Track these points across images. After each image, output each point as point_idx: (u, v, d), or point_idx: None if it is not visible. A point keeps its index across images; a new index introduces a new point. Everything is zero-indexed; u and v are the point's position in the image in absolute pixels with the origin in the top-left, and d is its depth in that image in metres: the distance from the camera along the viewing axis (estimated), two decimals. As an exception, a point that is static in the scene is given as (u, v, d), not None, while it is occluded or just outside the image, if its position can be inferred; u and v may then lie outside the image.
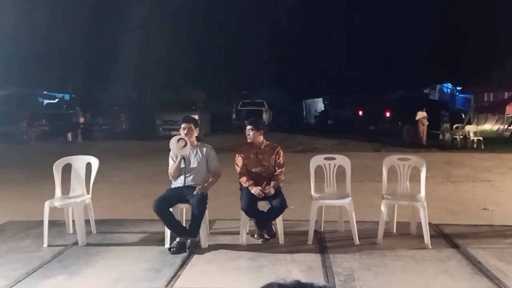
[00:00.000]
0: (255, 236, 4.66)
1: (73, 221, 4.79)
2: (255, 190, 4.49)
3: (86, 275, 3.79)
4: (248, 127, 4.78)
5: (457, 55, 25.44)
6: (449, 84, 26.95)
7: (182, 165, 4.56)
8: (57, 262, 4.09)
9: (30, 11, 20.46)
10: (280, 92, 33.23)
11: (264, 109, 23.93)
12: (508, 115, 18.21)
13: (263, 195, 4.47)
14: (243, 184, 4.64)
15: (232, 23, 28.00)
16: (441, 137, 16.61)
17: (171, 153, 4.67)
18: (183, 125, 4.64)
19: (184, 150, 4.46)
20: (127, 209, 6.49)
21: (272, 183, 4.55)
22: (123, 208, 6.57)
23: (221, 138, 17.21)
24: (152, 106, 23.57)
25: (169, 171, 4.65)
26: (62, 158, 4.97)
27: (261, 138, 4.82)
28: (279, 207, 4.42)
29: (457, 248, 4.35)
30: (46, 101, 25.48)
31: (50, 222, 4.64)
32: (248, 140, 4.80)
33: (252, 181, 4.60)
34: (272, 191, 4.47)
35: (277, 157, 4.76)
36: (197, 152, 4.64)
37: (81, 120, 19.09)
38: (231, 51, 29.45)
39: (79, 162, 5.01)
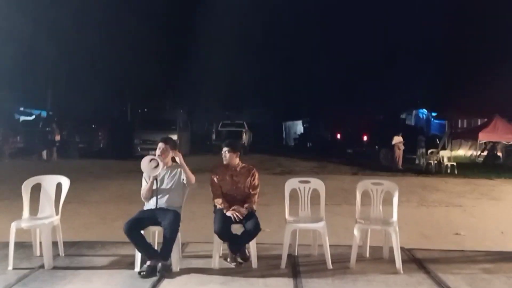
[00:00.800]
0: (228, 259, 4.60)
1: (41, 243, 4.64)
2: (230, 213, 4.45)
3: (50, 300, 3.66)
4: (225, 149, 4.77)
5: (432, 81, 26.15)
6: (424, 110, 27.63)
7: (154, 187, 4.49)
8: (21, 286, 3.94)
9: (7, 27, 20.21)
10: (261, 114, 33.49)
11: (244, 130, 24.02)
12: (480, 142, 18.70)
13: (238, 219, 4.43)
14: (217, 205, 4.60)
15: (216, 43, 28.25)
16: (417, 161, 16.94)
17: (144, 173, 4.61)
18: (159, 145, 4.61)
19: (155, 171, 4.39)
20: (100, 230, 6.36)
21: (246, 205, 4.53)
22: (97, 229, 6.43)
23: (201, 158, 17.12)
24: (131, 124, 23.38)
25: (141, 192, 4.58)
26: (32, 178, 4.84)
27: (237, 160, 4.81)
28: (253, 231, 4.39)
29: (428, 273, 4.37)
30: (22, 118, 25.04)
31: (17, 243, 4.49)
32: (224, 162, 4.78)
33: (227, 204, 4.56)
34: (244, 212, 4.44)
35: (252, 179, 4.74)
36: (170, 173, 4.59)
37: (57, 138, 18.79)
38: (215, 70, 29.60)
39: (49, 182, 4.88)
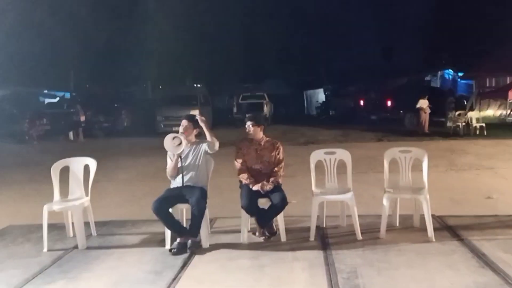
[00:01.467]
0: (256, 234, 4.61)
1: (73, 224, 4.75)
2: (257, 187, 4.43)
3: (85, 280, 3.76)
4: (248, 122, 4.70)
5: (459, 40, 25.19)
6: (450, 70, 26.73)
7: (179, 164, 4.49)
8: (57, 267, 4.05)
9: (31, 10, 20.34)
10: (282, 84, 33.10)
11: (265, 101, 23.82)
12: (510, 101, 18.05)
13: (264, 192, 4.41)
14: (243, 181, 4.58)
15: (233, 15, 27.80)
16: (448, 124, 16.30)
17: (168, 151, 4.61)
18: (182, 122, 4.59)
19: (179, 149, 4.37)
20: (130, 208, 6.47)
21: (271, 179, 4.49)
22: (126, 207, 6.55)
23: (223, 132, 17.12)
24: (153, 102, 23.50)
25: (166, 170, 4.59)
26: (60, 161, 4.92)
27: (261, 134, 4.75)
28: (280, 204, 4.36)
29: (461, 240, 4.28)
30: (47, 100, 25.47)
31: (50, 225, 4.61)
32: (248, 136, 4.73)
33: (253, 179, 4.53)
34: (270, 187, 4.41)
35: (277, 153, 4.69)
36: (194, 150, 4.57)
37: (82, 118, 19.07)
38: (232, 44, 29.27)
39: (77, 164, 4.95)
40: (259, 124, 4.73)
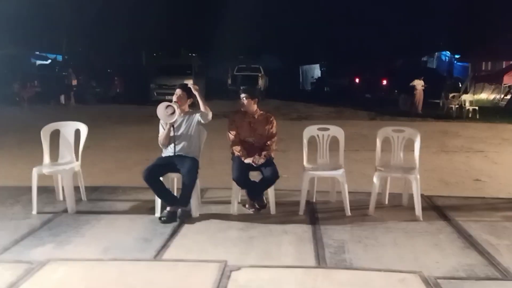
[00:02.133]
0: (246, 206, 4.64)
1: (63, 187, 4.73)
2: (248, 160, 4.42)
3: (75, 244, 3.76)
4: (242, 95, 4.65)
5: (456, 22, 24.98)
6: (447, 52, 26.62)
7: (172, 133, 4.46)
8: (46, 230, 4.05)
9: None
10: (277, 58, 32.75)
11: (260, 74, 23.62)
12: (505, 85, 18.08)
13: (256, 165, 4.41)
14: (236, 153, 4.57)
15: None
16: (441, 105, 16.27)
17: (161, 120, 4.57)
18: (176, 91, 4.53)
19: (171, 118, 4.32)
20: (120, 175, 6.45)
21: (264, 153, 4.48)
22: (117, 175, 6.53)
23: (216, 103, 17.00)
24: (146, 70, 23.19)
25: (159, 138, 4.56)
26: (50, 124, 4.86)
27: (255, 107, 4.72)
28: (271, 178, 4.37)
29: (448, 220, 4.34)
30: (38, 62, 25.00)
31: (40, 188, 4.58)
32: (242, 109, 4.69)
33: (245, 151, 4.52)
34: (262, 161, 4.41)
35: (270, 127, 4.67)
36: (188, 119, 4.52)
37: (74, 82, 18.83)
38: (229, 15, 28.73)
39: (68, 128, 4.89)
40: (254, 97, 4.69)
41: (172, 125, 4.42)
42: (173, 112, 4.30)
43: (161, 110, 4.33)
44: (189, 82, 4.61)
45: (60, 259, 3.41)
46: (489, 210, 4.72)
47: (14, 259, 3.41)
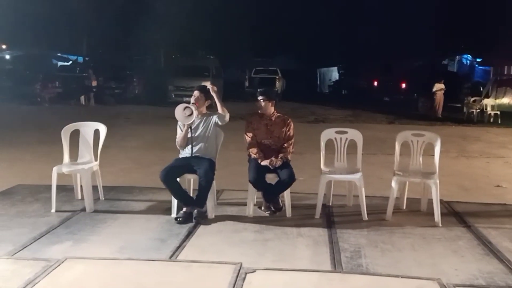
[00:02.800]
0: (262, 208, 4.62)
1: (81, 186, 4.80)
2: (265, 162, 4.41)
3: (92, 242, 3.81)
4: (260, 97, 4.64)
5: (478, 25, 24.53)
6: (468, 55, 26.14)
7: (189, 135, 4.47)
8: (64, 228, 4.11)
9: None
10: (295, 60, 32.67)
11: (277, 77, 23.60)
12: (528, 90, 17.64)
13: (272, 168, 4.40)
14: (252, 155, 4.56)
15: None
16: (465, 110, 15.90)
17: (178, 121, 4.59)
18: (194, 93, 4.55)
19: (189, 119, 4.34)
20: (138, 175, 6.51)
21: (280, 155, 4.46)
22: (134, 174, 6.59)
23: (233, 105, 17.03)
24: (165, 71, 23.38)
25: (176, 140, 4.58)
26: (70, 124, 4.94)
27: (272, 109, 4.70)
28: (288, 180, 4.34)
29: (468, 227, 4.26)
30: (59, 63, 25.43)
31: (59, 187, 4.65)
32: (259, 111, 4.68)
33: (262, 154, 4.51)
34: (279, 163, 4.39)
35: (287, 129, 4.65)
36: (205, 121, 4.54)
37: (94, 83, 19.09)
38: (246, 17, 28.80)
39: (87, 128, 4.97)
40: (271, 99, 4.68)
41: (190, 126, 4.44)
42: (191, 114, 4.32)
43: (179, 111, 4.36)
44: (207, 84, 4.60)
45: (77, 257, 3.44)
46: (510, 217, 4.61)
47: (32, 256, 3.47)
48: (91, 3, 23.70)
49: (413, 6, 26.48)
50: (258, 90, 4.83)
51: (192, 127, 4.47)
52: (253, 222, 4.32)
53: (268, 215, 4.55)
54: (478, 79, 22.73)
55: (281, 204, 4.59)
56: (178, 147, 4.61)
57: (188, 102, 4.47)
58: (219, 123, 4.47)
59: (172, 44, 26.73)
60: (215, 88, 4.53)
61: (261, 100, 4.62)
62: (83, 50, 26.85)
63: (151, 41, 25.78)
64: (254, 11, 28.87)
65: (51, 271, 3.15)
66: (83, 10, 23.69)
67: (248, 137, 4.62)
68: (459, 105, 16.41)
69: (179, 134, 4.55)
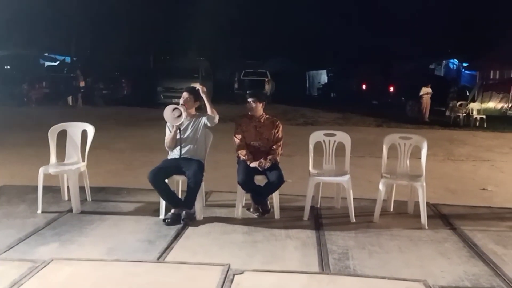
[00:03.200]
0: (251, 210, 4.63)
1: (68, 187, 4.75)
2: (254, 164, 4.42)
3: (79, 244, 3.77)
4: (250, 99, 4.66)
5: (465, 30, 24.88)
6: (455, 60, 26.49)
7: (178, 136, 4.46)
8: (51, 229, 4.07)
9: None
10: (284, 63, 32.75)
11: (266, 79, 23.62)
12: (513, 94, 17.91)
13: (261, 170, 4.41)
14: (241, 157, 4.57)
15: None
16: (447, 113, 16.08)
17: (167, 122, 4.58)
18: (183, 94, 4.54)
19: (178, 120, 4.33)
20: (125, 176, 6.47)
21: (269, 157, 4.48)
22: (122, 176, 6.55)
23: (223, 107, 17.01)
24: (154, 72, 23.27)
25: (165, 141, 4.57)
26: (58, 124, 4.89)
27: (262, 111, 4.72)
28: (276, 182, 4.36)
29: (454, 229, 4.31)
30: (47, 63, 25.18)
31: (45, 187, 4.61)
32: (249, 113, 4.69)
33: (251, 156, 4.52)
34: (268, 165, 4.40)
35: (276, 131, 4.67)
36: (194, 122, 4.53)
37: (82, 84, 18.92)
38: (237, 19, 28.82)
39: (75, 129, 4.92)
40: (261, 100, 4.69)
41: (178, 127, 4.43)
42: (180, 115, 4.31)
43: (168, 112, 4.34)
44: (197, 85, 4.59)
45: (64, 259, 3.40)
46: (496, 220, 4.67)
47: (18, 257, 3.42)
48: (80, 3, 23.50)
49: (401, 10, 26.75)
50: (248, 92, 4.84)
51: (181, 128, 4.46)
52: (242, 223, 4.33)
53: (256, 217, 4.56)
54: (464, 84, 23.05)
55: (269, 206, 4.61)
56: (166, 148, 4.60)
57: (177, 104, 4.46)
58: (208, 124, 4.46)
59: (162, 45, 26.64)
60: (205, 89, 4.53)
61: (251, 102, 4.63)
62: (71, 50, 26.61)
63: (141, 42, 25.66)
64: (244, 13, 28.91)
65: (37, 272, 3.12)
66: (71, 10, 23.47)
67: (237, 139, 4.63)
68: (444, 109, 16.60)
69: (168, 135, 4.54)
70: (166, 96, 18.46)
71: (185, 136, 4.50)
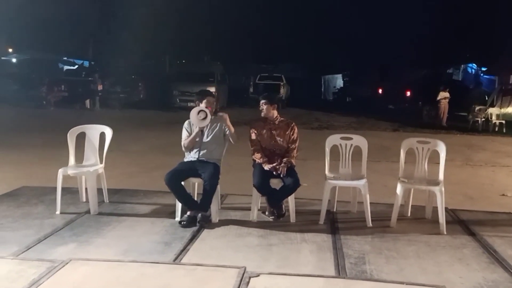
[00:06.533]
0: (266, 213, 4.62)
1: (86, 189, 4.81)
2: (269, 167, 4.42)
3: (96, 245, 3.81)
4: (262, 101, 4.67)
5: (484, 34, 24.54)
6: (473, 64, 26.13)
7: (199, 138, 4.50)
8: (69, 230, 4.12)
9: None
10: (300, 67, 32.70)
11: (282, 83, 23.63)
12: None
13: (277, 173, 4.40)
14: (256, 160, 4.57)
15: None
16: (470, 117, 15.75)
17: (185, 124, 4.62)
18: (207, 98, 4.57)
19: (204, 122, 4.39)
20: (142, 179, 6.52)
21: (285, 160, 4.47)
22: (138, 178, 6.60)
23: (238, 111, 17.09)
24: (170, 76, 23.47)
25: (183, 142, 4.59)
26: (77, 127, 4.97)
27: (275, 113, 4.71)
28: (292, 186, 4.35)
29: (473, 235, 4.23)
30: (65, 67, 25.59)
31: (64, 189, 4.67)
32: (262, 115, 4.69)
33: (266, 158, 4.52)
34: (284, 173, 4.38)
35: (291, 133, 4.65)
36: (211, 125, 4.56)
37: (99, 87, 19.18)
38: (252, 23, 28.92)
39: (93, 131, 4.99)
40: (272, 102, 4.68)
41: (201, 130, 4.46)
42: (205, 117, 4.36)
43: (193, 115, 4.39)
44: (212, 90, 4.65)
45: (81, 259, 3.44)
46: (516, 226, 4.58)
47: (37, 257, 3.47)
48: (98, 8, 23.87)
49: (420, 15, 26.51)
50: (261, 96, 4.86)
51: (203, 131, 4.50)
52: (257, 227, 4.32)
53: (272, 220, 4.54)
54: (483, 88, 22.71)
55: (284, 210, 4.59)
56: (184, 149, 4.62)
57: (193, 106, 4.53)
58: (231, 140, 4.57)
59: (178, 48, 26.86)
60: (227, 116, 4.58)
61: (263, 104, 4.64)
62: (89, 55, 27.01)
63: (157, 46, 25.92)
64: (260, 18, 29.00)
65: (55, 272, 3.16)
66: (89, 15, 23.85)
67: (252, 142, 4.63)
68: (465, 113, 16.36)
69: (185, 136, 4.57)
70: (182, 100, 18.63)
71: (202, 139, 4.52)
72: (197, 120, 4.40)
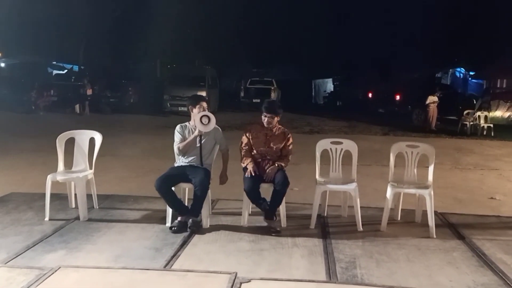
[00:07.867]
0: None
1: (76, 195, 4.77)
2: (250, 166, 4.40)
3: (86, 251, 3.78)
4: (268, 115, 4.53)
5: (472, 38, 24.83)
6: (462, 68, 26.42)
7: (198, 144, 4.49)
8: (58, 237, 4.08)
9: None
10: (290, 71, 32.83)
11: (272, 87, 23.70)
12: (521, 103, 17.81)
13: (253, 174, 4.35)
14: (244, 165, 4.56)
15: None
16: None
17: (177, 128, 4.60)
18: (202, 104, 4.56)
19: (208, 127, 4.37)
20: (132, 184, 6.48)
21: (277, 163, 4.45)
22: (129, 183, 6.56)
23: (229, 115, 17.09)
24: (161, 80, 23.41)
25: (178, 145, 4.54)
26: (66, 132, 4.93)
27: (276, 122, 4.67)
28: (282, 186, 4.29)
29: (463, 238, 4.27)
30: (55, 72, 25.42)
31: (53, 195, 4.63)
32: (265, 125, 4.63)
33: (251, 159, 4.50)
34: (272, 174, 4.37)
35: (287, 143, 4.63)
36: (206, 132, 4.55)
37: (89, 92, 19.05)
38: (243, 27, 28.99)
39: (83, 136, 4.96)
40: (277, 114, 4.62)
41: (200, 135, 4.45)
42: (209, 122, 4.34)
43: (197, 121, 4.37)
44: (203, 94, 4.66)
45: (71, 266, 3.41)
46: (504, 229, 4.63)
47: (26, 264, 3.44)
48: (88, 12, 23.75)
49: (408, 19, 26.75)
50: (264, 106, 4.63)
51: (202, 136, 4.49)
52: (248, 231, 4.31)
53: (266, 224, 4.48)
54: (471, 92, 22.96)
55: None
56: (177, 153, 4.58)
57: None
58: (220, 148, 4.67)
59: (168, 53, 26.82)
60: (225, 180, 4.71)
61: (269, 118, 4.53)
62: (79, 59, 26.86)
63: (147, 51, 25.86)
64: (251, 22, 29.07)
65: (44, 280, 3.13)
66: (79, 19, 23.72)
67: (242, 147, 4.62)
68: (454, 117, 16.51)
69: (178, 140, 4.54)
70: (172, 104, 18.56)
71: (197, 144, 4.51)
72: (200, 125, 4.37)
